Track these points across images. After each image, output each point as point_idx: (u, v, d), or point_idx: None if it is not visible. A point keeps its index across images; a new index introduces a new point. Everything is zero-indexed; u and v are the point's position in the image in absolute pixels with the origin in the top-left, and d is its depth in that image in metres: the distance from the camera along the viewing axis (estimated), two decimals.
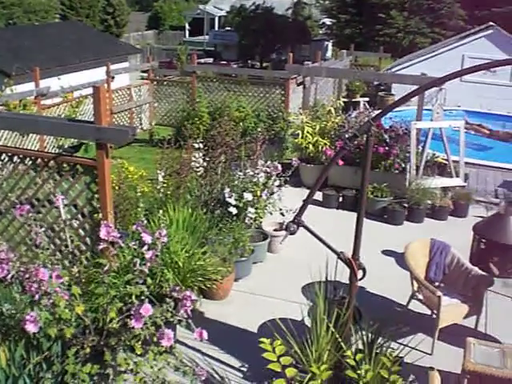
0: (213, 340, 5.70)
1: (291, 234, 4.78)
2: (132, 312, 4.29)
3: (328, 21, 39.93)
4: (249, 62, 39.13)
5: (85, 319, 4.41)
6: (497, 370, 4.95)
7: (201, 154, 8.38)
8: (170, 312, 4.54)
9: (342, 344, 4.77)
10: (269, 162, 8.17)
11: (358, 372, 4.35)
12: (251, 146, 8.88)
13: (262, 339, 4.28)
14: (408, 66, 20.23)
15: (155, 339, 4.37)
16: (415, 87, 4.65)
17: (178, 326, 5.42)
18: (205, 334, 4.51)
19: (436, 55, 20.52)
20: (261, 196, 7.77)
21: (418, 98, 10.95)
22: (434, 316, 6.00)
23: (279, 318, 5.29)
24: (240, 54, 39.73)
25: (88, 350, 4.35)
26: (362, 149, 8.85)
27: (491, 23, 20.34)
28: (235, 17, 41.56)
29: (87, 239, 5.87)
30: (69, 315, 4.25)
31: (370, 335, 5.04)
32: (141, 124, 16.16)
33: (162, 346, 4.34)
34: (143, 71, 22.05)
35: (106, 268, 4.71)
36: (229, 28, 44.15)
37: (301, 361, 4.75)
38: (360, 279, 4.79)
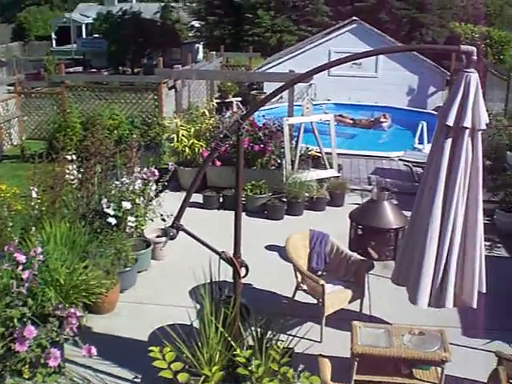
0: (103, 355, 5.56)
1: (171, 239, 4.75)
2: (15, 335, 4.15)
3: (197, 23, 39.96)
4: (120, 68, 38.51)
5: None
6: (384, 350, 5.14)
7: (75, 166, 8.14)
8: (55, 331, 4.43)
9: (232, 342, 4.81)
10: (145, 169, 8.09)
11: (250, 368, 4.40)
12: (127, 154, 8.73)
13: (151, 348, 4.24)
14: (278, 64, 20.58)
15: (42, 360, 4.24)
16: None
17: (65, 345, 5.28)
18: (94, 350, 4.43)
19: (304, 52, 21.02)
20: (139, 203, 7.68)
21: (288, 95, 11.23)
22: (320, 304, 6.14)
23: (168, 325, 5.26)
24: (110, 60, 38.99)
25: None
26: None
27: (354, 18, 21.17)
28: (103, 23, 40.76)
29: None
30: None
31: (259, 330, 5.11)
32: (10, 140, 15.45)
33: (50, 367, 4.23)
34: (10, 84, 21.17)
35: None
36: (97, 35, 43.20)
37: (193, 364, 4.74)
38: (243, 277, 4.85)
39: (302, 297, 6.59)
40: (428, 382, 5.23)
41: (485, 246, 8.36)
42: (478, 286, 5.02)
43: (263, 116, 11.29)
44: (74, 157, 8.31)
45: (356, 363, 5.15)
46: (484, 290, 5.09)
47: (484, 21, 32.39)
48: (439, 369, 5.18)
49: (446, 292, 5.01)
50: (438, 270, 4.90)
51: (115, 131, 11.84)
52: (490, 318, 6.53)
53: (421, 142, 13.14)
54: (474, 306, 5.12)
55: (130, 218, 7.47)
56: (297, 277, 6.51)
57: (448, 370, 5.18)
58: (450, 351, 5.15)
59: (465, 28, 27.69)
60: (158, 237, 7.99)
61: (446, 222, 4.76)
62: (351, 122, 18.18)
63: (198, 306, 5.49)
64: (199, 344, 4.86)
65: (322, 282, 6.02)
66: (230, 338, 4.83)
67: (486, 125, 4.56)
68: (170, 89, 13.18)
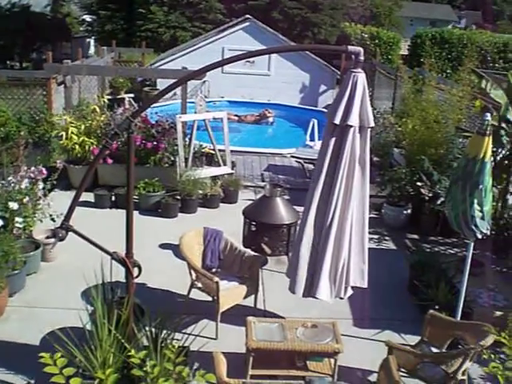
0: None
1: (60, 241, 4.60)
2: None
3: (88, 17, 39.02)
4: (8, 62, 36.94)
5: None
6: (278, 344, 5.26)
7: None
8: None
9: (126, 344, 4.73)
10: (33, 167, 7.80)
11: (145, 369, 4.34)
12: (13, 152, 8.40)
13: (41, 354, 4.10)
14: (171, 61, 20.42)
15: None
16: None
17: None
18: None
19: (197, 49, 20.95)
20: (27, 204, 7.41)
21: (181, 92, 11.17)
22: (215, 301, 6.15)
23: (60, 328, 5.13)
24: None
25: None
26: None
27: (248, 16, 21.30)
28: None
29: None
30: None
31: (153, 330, 5.05)
32: None
33: None
34: None
35: None
36: None
37: (86, 368, 4.63)
38: (136, 277, 4.78)
39: (197, 294, 6.58)
40: (322, 373, 5.40)
41: (373, 239, 8.80)
42: (367, 269, 5.20)
43: (156, 113, 11.20)
44: None
45: (251, 358, 5.22)
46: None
47: (373, 22, 33.68)
48: (332, 360, 5.35)
49: (339, 282, 5.16)
50: (327, 262, 5.03)
51: (1, 128, 11.31)
52: (380, 309, 6.80)
53: (312, 139, 13.43)
54: (365, 285, 5.28)
55: (17, 218, 7.21)
56: (191, 274, 6.51)
57: (341, 361, 5.36)
58: (342, 342, 5.33)
59: (355, 28, 28.66)
60: (47, 238, 7.73)
61: (334, 215, 4.90)
62: (236, 118, 18.26)
63: (91, 308, 5.36)
64: (92, 347, 4.75)
65: (216, 279, 6.04)
66: (123, 340, 4.74)
67: (375, 122, 4.73)
68: (59, 84, 12.73)
